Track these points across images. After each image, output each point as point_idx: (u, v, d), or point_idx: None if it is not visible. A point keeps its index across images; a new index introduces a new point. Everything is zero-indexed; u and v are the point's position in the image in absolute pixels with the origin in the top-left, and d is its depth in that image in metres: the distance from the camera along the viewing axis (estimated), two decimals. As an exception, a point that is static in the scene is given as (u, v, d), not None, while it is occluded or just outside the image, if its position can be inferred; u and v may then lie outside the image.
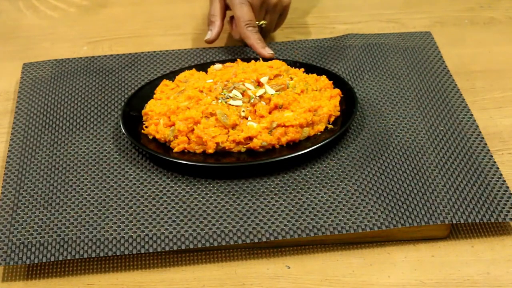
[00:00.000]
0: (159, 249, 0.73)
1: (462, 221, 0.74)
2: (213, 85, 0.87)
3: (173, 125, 0.83)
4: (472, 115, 0.88)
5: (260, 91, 0.85)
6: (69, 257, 0.73)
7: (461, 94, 0.91)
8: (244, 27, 0.97)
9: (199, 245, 0.73)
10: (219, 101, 0.84)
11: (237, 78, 0.88)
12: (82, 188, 0.79)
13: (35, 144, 0.85)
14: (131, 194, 0.79)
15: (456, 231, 0.77)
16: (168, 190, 0.79)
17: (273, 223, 0.75)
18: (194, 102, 0.85)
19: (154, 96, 0.89)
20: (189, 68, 0.94)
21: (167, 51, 1.01)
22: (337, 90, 0.89)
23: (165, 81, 0.91)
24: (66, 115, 0.90)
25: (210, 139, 0.81)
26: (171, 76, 0.92)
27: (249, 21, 0.97)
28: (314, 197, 0.77)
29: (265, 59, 0.94)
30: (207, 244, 0.73)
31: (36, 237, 0.74)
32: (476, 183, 0.78)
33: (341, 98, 0.88)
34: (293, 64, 0.93)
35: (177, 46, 1.04)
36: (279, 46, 1.01)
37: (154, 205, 0.77)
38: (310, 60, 0.98)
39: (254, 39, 0.97)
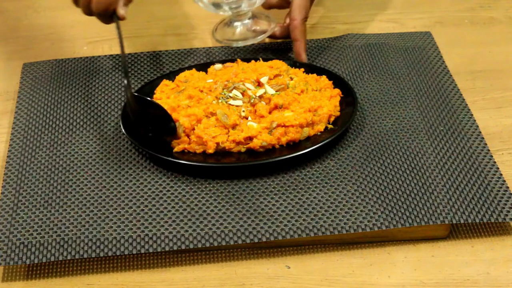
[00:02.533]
0: (159, 249, 0.73)
1: (462, 221, 0.74)
2: (213, 85, 0.87)
3: (177, 121, 0.83)
4: (472, 115, 0.88)
5: (260, 91, 0.85)
6: (69, 257, 0.73)
7: (461, 94, 0.91)
8: (302, 21, 0.94)
9: (199, 245, 0.73)
10: (220, 101, 0.84)
11: (237, 78, 0.88)
12: (82, 188, 0.79)
13: (35, 144, 0.85)
14: (131, 194, 0.79)
15: (456, 231, 0.77)
16: (168, 190, 0.79)
17: (273, 223, 0.75)
18: (195, 101, 0.85)
19: (154, 96, 0.89)
20: (189, 68, 0.94)
21: (167, 51, 1.01)
22: (337, 90, 0.89)
23: (165, 81, 0.91)
24: (66, 115, 0.90)
25: (210, 139, 0.81)
26: (171, 76, 0.92)
27: (307, 17, 0.95)
28: (314, 197, 0.77)
29: (265, 59, 0.94)
30: (207, 244, 0.73)
31: (36, 237, 0.74)
32: (476, 183, 0.78)
33: (341, 98, 0.88)
34: (293, 64, 0.93)
35: (177, 46, 1.04)
36: (279, 46, 1.01)
37: (154, 205, 0.77)
38: (310, 60, 0.98)
39: (304, 40, 0.95)
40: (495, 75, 0.98)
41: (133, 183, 0.80)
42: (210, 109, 0.83)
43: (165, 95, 0.88)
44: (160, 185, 0.80)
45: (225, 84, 0.86)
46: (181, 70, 0.93)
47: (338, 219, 0.75)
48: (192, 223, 0.75)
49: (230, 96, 0.84)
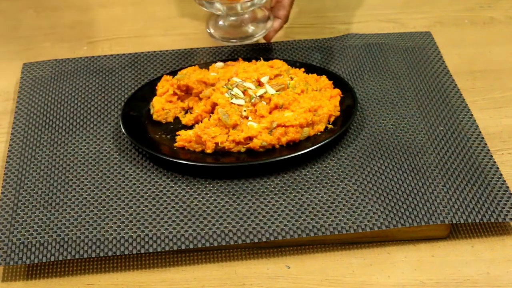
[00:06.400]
0: (159, 249, 0.73)
1: (462, 221, 0.74)
2: (216, 79, 0.87)
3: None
4: (472, 115, 0.88)
5: (260, 91, 0.85)
6: (69, 257, 0.73)
7: (461, 94, 0.91)
8: (289, 3, 0.96)
9: (199, 245, 0.73)
10: (226, 94, 0.84)
11: (238, 77, 0.88)
12: (82, 188, 0.79)
13: (35, 144, 0.85)
14: (131, 194, 0.79)
15: (456, 231, 0.77)
16: (168, 190, 0.79)
17: (273, 223, 0.75)
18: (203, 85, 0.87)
19: (157, 92, 0.89)
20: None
21: (167, 51, 1.01)
22: (337, 90, 0.88)
23: (165, 77, 0.91)
24: (66, 115, 0.90)
25: (209, 139, 0.81)
26: (172, 75, 0.92)
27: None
28: (314, 197, 0.77)
29: (266, 59, 0.94)
30: (207, 244, 0.73)
31: (36, 237, 0.74)
32: (476, 183, 0.78)
33: (341, 98, 0.88)
34: (293, 64, 0.93)
35: (177, 46, 1.04)
36: (279, 46, 1.01)
37: (154, 205, 0.77)
38: (310, 60, 0.98)
39: (284, 22, 0.96)
40: (495, 75, 0.98)
41: (133, 183, 0.80)
42: (213, 99, 0.84)
43: (166, 89, 0.88)
44: (160, 185, 0.80)
45: (228, 80, 0.87)
46: (182, 69, 0.93)
47: (338, 219, 0.75)
48: (192, 223, 0.75)
49: (232, 94, 0.85)
